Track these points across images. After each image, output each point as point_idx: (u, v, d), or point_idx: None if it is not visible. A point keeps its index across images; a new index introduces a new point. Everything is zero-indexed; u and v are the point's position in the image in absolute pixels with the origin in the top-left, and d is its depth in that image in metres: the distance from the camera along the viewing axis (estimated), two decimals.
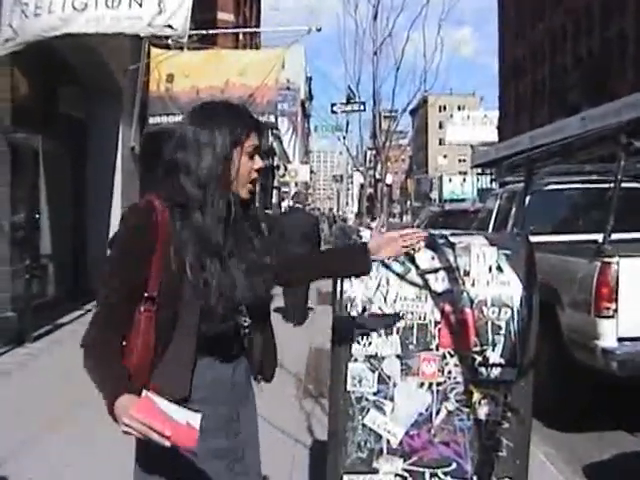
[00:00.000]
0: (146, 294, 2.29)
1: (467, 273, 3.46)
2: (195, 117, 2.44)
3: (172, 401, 2.18)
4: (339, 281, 3.43)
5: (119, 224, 2.39)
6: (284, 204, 43.90)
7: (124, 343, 2.31)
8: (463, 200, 52.04)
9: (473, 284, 3.44)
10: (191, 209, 2.32)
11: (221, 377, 2.43)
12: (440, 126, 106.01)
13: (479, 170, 55.43)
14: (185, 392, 2.30)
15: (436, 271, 3.45)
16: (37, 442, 5.82)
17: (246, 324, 2.46)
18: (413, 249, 2.78)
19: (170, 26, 9.32)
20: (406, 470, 3.41)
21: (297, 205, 13.48)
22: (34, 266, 11.10)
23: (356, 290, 3.42)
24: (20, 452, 5.59)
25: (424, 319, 3.40)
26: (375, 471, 3.42)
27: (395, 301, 3.41)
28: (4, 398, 7.20)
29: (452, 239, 3.57)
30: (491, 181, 46.94)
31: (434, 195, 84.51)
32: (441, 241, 3.55)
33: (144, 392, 2.15)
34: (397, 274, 3.42)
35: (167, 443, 2.03)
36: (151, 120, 14.22)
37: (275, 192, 49.90)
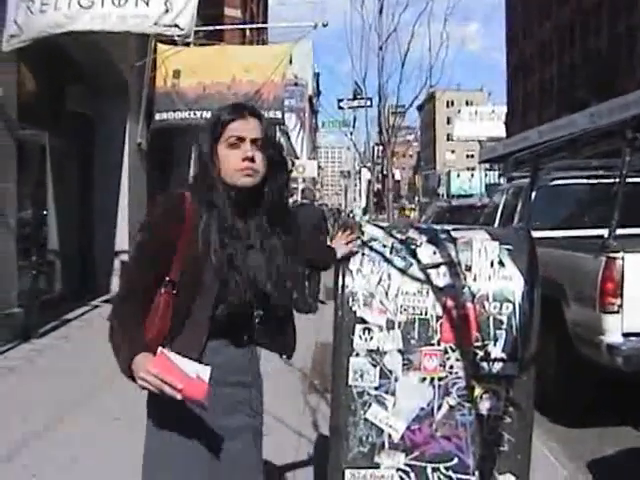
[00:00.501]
0: (167, 277, 2.45)
1: (469, 268, 3.45)
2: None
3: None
4: (341, 276, 3.45)
5: (152, 208, 2.63)
6: (291, 199, 43.96)
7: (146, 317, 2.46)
8: (471, 196, 51.94)
9: (475, 279, 3.44)
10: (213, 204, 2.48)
11: (232, 360, 2.55)
12: (448, 121, 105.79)
13: (487, 165, 55.34)
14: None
15: (438, 266, 3.45)
16: (43, 438, 5.84)
17: (258, 314, 2.58)
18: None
19: (176, 25, 9.33)
20: (408, 465, 3.41)
21: (305, 201, 13.60)
22: (41, 262, 11.18)
23: (357, 285, 3.42)
24: (25, 448, 5.61)
25: (426, 314, 3.40)
26: (377, 466, 3.42)
27: (397, 296, 3.41)
28: (10, 394, 7.23)
29: (454, 234, 3.56)
30: (499, 176, 46.84)
31: (442, 190, 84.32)
32: (443, 236, 3.55)
33: (159, 349, 2.26)
34: (399, 269, 3.43)
35: (179, 396, 2.16)
36: (157, 116, 14.21)
37: None
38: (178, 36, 10.34)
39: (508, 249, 3.49)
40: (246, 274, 2.45)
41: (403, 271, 3.41)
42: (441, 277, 3.44)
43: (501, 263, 3.46)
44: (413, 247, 3.48)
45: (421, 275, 3.43)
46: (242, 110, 2.56)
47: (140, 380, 2.21)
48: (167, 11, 9.24)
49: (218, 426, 2.49)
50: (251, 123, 2.54)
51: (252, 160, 2.49)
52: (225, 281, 2.41)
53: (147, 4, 9.19)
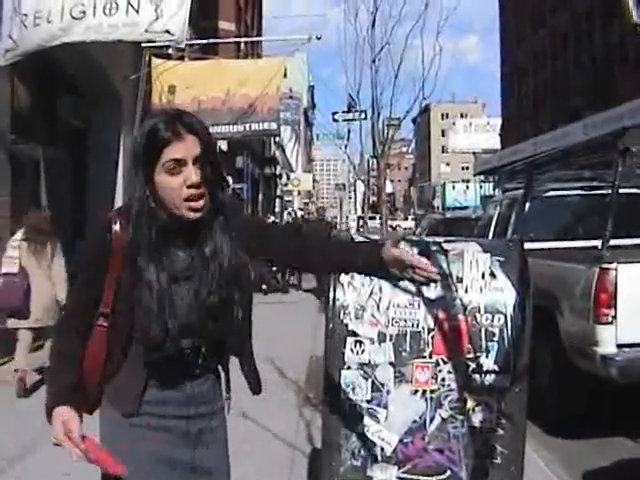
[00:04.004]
0: (100, 310, 2.35)
1: (460, 280, 3.45)
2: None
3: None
4: (332, 289, 3.44)
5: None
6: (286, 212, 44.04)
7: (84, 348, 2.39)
8: (466, 208, 51.95)
9: (466, 291, 3.44)
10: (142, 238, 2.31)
11: (176, 395, 2.41)
12: (442, 134, 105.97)
13: (482, 177, 55.37)
14: (133, 409, 2.36)
15: None
16: (36, 451, 5.80)
17: (187, 346, 2.36)
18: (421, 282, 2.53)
19: (167, 31, 9.32)
20: (400, 478, 3.40)
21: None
22: None
23: (349, 297, 3.42)
24: (18, 461, 5.59)
25: (417, 326, 3.40)
26: (369, 479, 3.41)
27: (388, 308, 3.41)
28: (3, 407, 7.20)
29: (445, 246, 3.56)
30: (493, 188, 46.81)
31: (437, 203, 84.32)
32: (434, 248, 3.55)
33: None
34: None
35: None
36: None
37: (278, 201, 50.03)
38: (170, 43, 10.35)
39: (499, 261, 3.49)
40: (161, 315, 2.27)
41: (394, 283, 3.41)
42: (432, 289, 3.43)
43: (492, 275, 3.46)
44: None
45: (412, 287, 3.42)
46: (177, 127, 2.26)
47: (53, 438, 2.29)
48: (157, 18, 9.22)
49: (172, 458, 2.40)
50: (189, 141, 2.26)
51: (198, 187, 2.25)
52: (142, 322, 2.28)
53: (137, 12, 9.19)
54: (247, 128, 14.13)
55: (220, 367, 2.55)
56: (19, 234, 8.19)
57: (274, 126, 14.71)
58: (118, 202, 14.11)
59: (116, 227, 2.31)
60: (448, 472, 3.41)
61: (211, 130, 2.47)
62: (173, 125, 2.25)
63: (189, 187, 2.24)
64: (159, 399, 2.37)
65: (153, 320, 2.26)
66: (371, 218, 48.11)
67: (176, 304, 2.30)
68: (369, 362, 3.40)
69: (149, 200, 2.28)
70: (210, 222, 2.36)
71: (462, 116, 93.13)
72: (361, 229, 43.89)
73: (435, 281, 2.48)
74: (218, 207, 2.38)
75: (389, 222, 38.92)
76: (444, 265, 3.47)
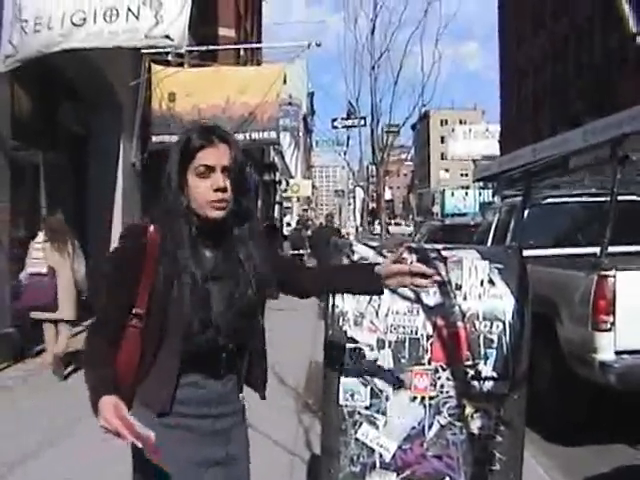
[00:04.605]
0: (134, 310, 2.41)
1: (459, 287, 3.46)
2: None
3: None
4: (331, 295, 3.45)
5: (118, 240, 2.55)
6: (286, 219, 44.06)
7: (118, 350, 2.45)
8: (465, 214, 51.87)
9: (465, 298, 3.45)
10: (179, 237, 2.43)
11: (206, 394, 2.49)
12: (442, 140, 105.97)
13: (481, 184, 55.38)
14: (165, 408, 2.42)
15: None
16: (36, 457, 5.82)
17: (222, 344, 2.47)
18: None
19: (167, 36, 9.33)
20: None
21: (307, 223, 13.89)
22: None
23: (348, 304, 3.43)
24: (19, 467, 5.60)
25: (416, 333, 3.41)
26: None
27: (387, 315, 3.42)
28: (4, 413, 7.20)
29: (444, 253, 3.57)
30: (493, 195, 46.76)
31: (436, 209, 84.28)
32: (433, 255, 3.55)
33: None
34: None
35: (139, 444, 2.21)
36: (154, 139, 14.26)
37: (277, 207, 50.04)
38: (169, 48, 10.35)
39: (498, 268, 3.50)
40: (200, 311, 2.39)
41: (393, 290, 3.41)
42: (431, 296, 3.45)
43: (491, 282, 3.47)
44: None
45: (411, 294, 3.44)
46: (211, 136, 2.45)
47: (101, 422, 2.30)
48: (157, 23, 9.23)
49: (203, 457, 2.47)
50: (221, 149, 2.44)
51: (224, 190, 2.41)
52: (185, 316, 2.37)
53: (137, 18, 9.19)
54: (247, 137, 14.12)
55: (238, 370, 2.63)
56: (40, 237, 8.81)
57: (273, 135, 14.74)
58: (118, 207, 14.12)
59: (151, 229, 2.44)
60: (447, 479, 3.42)
61: None
62: (207, 134, 2.46)
63: (216, 190, 2.40)
64: (186, 398, 2.44)
65: (197, 312, 2.37)
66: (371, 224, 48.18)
67: (213, 302, 2.42)
68: (368, 369, 3.41)
69: (180, 202, 2.43)
70: (236, 226, 2.52)
71: (461, 123, 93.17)
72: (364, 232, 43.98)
73: (436, 282, 2.72)
74: (242, 213, 2.52)
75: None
76: (443, 272, 3.48)
